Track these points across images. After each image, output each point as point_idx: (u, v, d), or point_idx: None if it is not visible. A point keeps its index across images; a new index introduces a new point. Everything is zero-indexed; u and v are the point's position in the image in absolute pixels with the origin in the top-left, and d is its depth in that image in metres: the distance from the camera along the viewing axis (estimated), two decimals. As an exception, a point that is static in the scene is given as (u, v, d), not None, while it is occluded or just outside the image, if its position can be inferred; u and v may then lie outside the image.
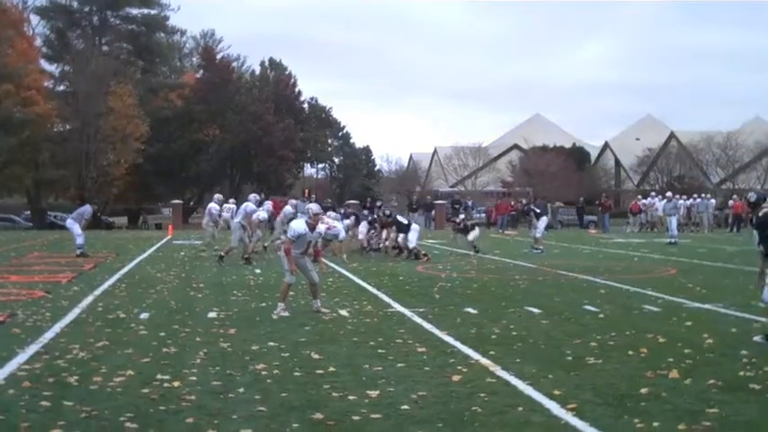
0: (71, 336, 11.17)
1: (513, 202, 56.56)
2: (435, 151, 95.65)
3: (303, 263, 13.48)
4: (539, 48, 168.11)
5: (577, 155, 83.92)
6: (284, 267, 13.45)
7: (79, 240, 25.69)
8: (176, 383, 8.29)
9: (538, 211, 30.87)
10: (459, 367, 9.15)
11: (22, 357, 9.66)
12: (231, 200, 30.77)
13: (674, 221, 35.34)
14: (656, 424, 6.86)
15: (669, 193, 40.48)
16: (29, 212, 64.05)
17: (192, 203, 72.61)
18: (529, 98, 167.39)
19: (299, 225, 13.46)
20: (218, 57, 78.84)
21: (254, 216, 23.69)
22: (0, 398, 7.73)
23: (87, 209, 27.85)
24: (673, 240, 33.41)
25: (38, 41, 72.60)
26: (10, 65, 61.44)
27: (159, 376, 8.59)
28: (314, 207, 14.36)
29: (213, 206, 27.51)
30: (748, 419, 7.03)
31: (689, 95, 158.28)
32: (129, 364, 9.20)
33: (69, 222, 26.99)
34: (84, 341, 10.68)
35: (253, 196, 25.39)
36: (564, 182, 66.77)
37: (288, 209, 27.30)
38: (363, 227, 26.97)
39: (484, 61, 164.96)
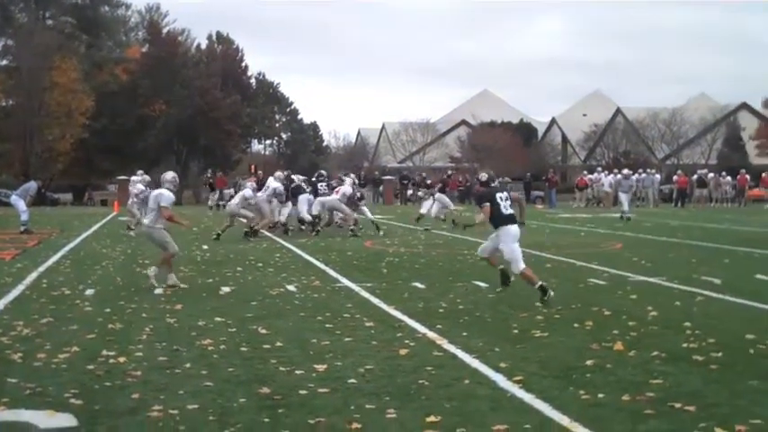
0: (15, 313, 11.06)
1: (461, 178, 56.81)
2: (383, 127, 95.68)
3: None
4: (488, 23, 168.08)
5: (525, 130, 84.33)
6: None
7: (24, 217, 25.40)
8: (122, 359, 8.23)
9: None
10: (406, 341, 9.18)
11: (-36, 334, 9.55)
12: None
13: (626, 198, 34.64)
14: (600, 395, 6.93)
15: (626, 171, 40.22)
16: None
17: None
18: (477, 74, 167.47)
19: None
20: (164, 31, 77.96)
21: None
22: (-59, 375, 7.63)
23: (32, 185, 27.58)
24: (626, 216, 33.02)
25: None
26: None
27: (105, 352, 8.53)
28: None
29: (139, 186, 26.82)
30: (691, 390, 7.13)
31: (636, 72, 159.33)
32: (74, 341, 9.11)
33: (14, 199, 26.69)
34: (29, 318, 10.57)
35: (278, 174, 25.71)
36: (511, 157, 67.06)
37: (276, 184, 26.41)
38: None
39: (432, 37, 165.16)
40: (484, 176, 13.43)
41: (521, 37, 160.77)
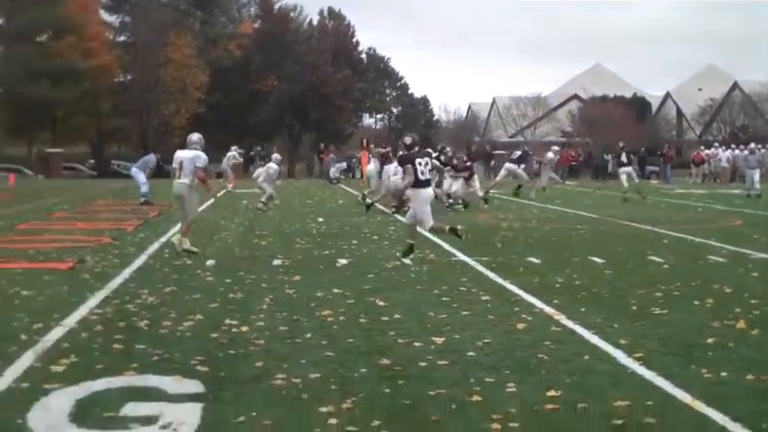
0: (139, 281, 11.37)
1: (573, 153, 56.18)
2: (494, 101, 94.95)
3: None
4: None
5: (638, 105, 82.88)
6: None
7: (144, 189, 26.05)
8: (244, 328, 8.41)
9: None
10: (523, 315, 9.17)
11: (92, 302, 9.85)
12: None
13: (756, 174, 33.32)
14: (723, 374, 6.83)
15: (752, 145, 38.64)
16: (92, 161, 64.84)
17: (251, 153, 72.99)
18: (589, 48, 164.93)
19: None
20: (276, 7, 78.66)
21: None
22: (74, 341, 7.90)
23: (152, 158, 28.19)
24: (755, 193, 31.76)
25: (98, -8, 72.96)
26: (71, 17, 62.03)
27: (227, 321, 8.73)
28: None
29: (272, 165, 27.25)
30: (818, 370, 6.97)
31: (754, 45, 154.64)
32: (197, 309, 9.35)
33: (134, 171, 27.40)
34: (153, 287, 10.86)
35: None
36: (624, 132, 65.97)
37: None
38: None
39: (543, 10, 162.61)
40: (408, 140, 14.23)
41: (634, 10, 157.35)
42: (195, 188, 14.50)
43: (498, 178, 31.42)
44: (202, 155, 14.51)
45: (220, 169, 37.57)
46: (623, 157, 31.68)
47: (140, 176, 26.53)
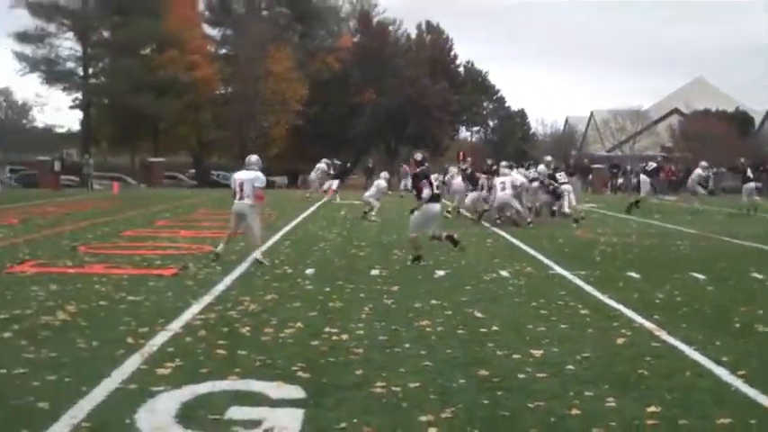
0: (241, 288, 11.58)
1: (672, 168, 55.31)
2: (592, 115, 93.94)
3: None
4: (701, 10, 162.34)
5: (740, 120, 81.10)
6: None
7: None
8: (344, 336, 8.52)
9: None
10: (622, 330, 9.10)
11: (196, 308, 10.08)
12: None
13: None
14: (830, 393, 6.70)
15: None
16: (193, 171, 66.07)
17: (348, 165, 73.50)
18: (691, 61, 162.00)
19: None
20: (375, 21, 79.17)
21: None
22: (179, 345, 8.10)
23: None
24: None
25: (200, 6, 74.37)
26: (174, 30, 63.39)
27: (327, 329, 8.84)
28: None
29: (382, 182, 27.42)
30: None
31: None
32: (297, 317, 9.49)
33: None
34: (254, 294, 11.06)
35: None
36: (726, 147, 64.67)
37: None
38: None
39: (643, 23, 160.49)
40: (419, 157, 15.37)
41: (736, 23, 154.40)
42: (255, 207, 14.93)
43: (643, 193, 31.12)
44: (261, 175, 15.05)
45: (308, 180, 38.37)
46: (749, 173, 31.10)
47: None
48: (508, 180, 23.50)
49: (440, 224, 15.09)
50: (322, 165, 37.65)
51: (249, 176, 14.92)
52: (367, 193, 26.21)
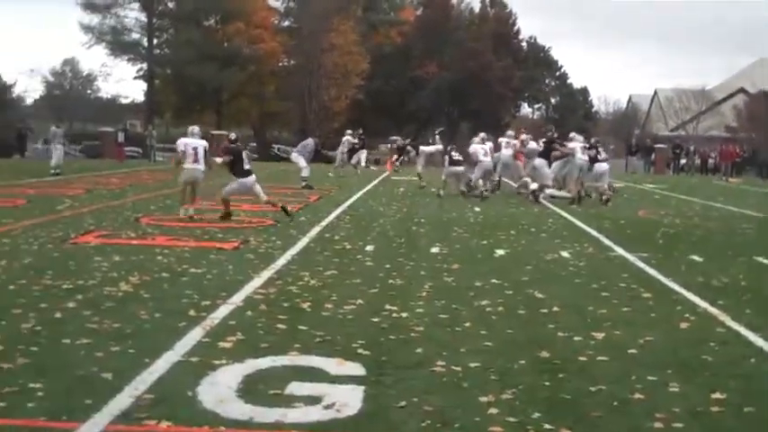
0: (301, 263, 11.62)
1: (738, 149, 54.49)
2: (656, 93, 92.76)
3: None
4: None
5: (809, 100, 79.49)
6: None
7: (304, 173, 26.58)
8: (404, 314, 8.51)
9: None
10: (686, 315, 8.98)
11: (256, 282, 10.13)
12: None
13: None
14: None
15: None
16: (254, 144, 66.45)
17: (409, 140, 73.41)
18: (759, 40, 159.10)
19: None
20: (438, -7, 78.86)
21: None
22: (240, 319, 8.15)
23: (310, 141, 28.71)
24: None
25: (265, -23, 74.58)
26: (239, 1, 63.66)
27: (387, 306, 8.84)
28: None
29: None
30: None
31: None
32: (357, 294, 9.50)
33: (294, 156, 28.02)
34: (314, 269, 11.08)
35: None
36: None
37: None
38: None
39: (709, 1, 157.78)
40: (233, 136, 17.88)
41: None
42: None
43: None
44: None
45: (332, 154, 38.34)
46: None
47: (301, 161, 27.16)
48: (488, 147, 25.01)
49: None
50: (347, 137, 37.54)
51: (202, 143, 16.78)
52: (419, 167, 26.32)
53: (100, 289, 9.39)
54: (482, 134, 27.25)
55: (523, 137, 27.66)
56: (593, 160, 23.84)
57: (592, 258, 13.08)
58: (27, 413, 5.38)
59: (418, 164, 30.11)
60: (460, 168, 24.68)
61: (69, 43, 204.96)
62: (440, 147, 29.18)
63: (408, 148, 32.13)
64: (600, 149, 24.45)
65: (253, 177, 16.88)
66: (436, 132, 35.49)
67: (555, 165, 23.98)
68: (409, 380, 6.34)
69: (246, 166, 16.76)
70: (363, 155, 36.60)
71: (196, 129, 17.35)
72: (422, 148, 31.33)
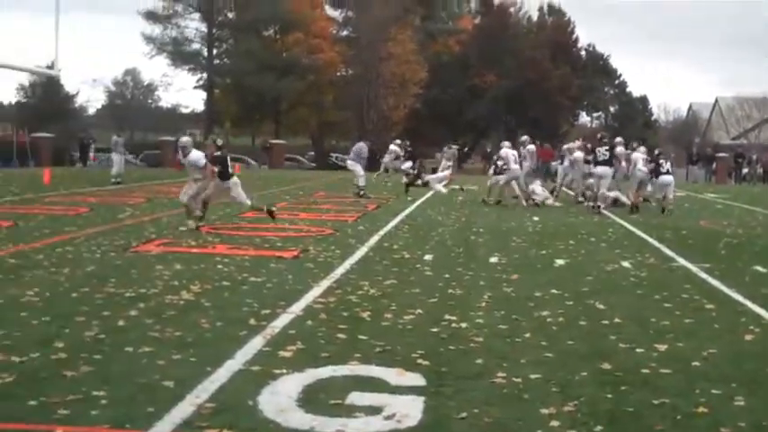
0: (360, 273, 11.64)
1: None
2: (716, 101, 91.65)
3: None
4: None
5: None
6: None
7: (360, 182, 26.62)
8: (464, 324, 8.47)
9: None
10: (750, 327, 8.83)
11: (316, 291, 10.16)
12: None
13: None
14: None
15: None
16: (312, 153, 66.81)
17: (466, 149, 73.31)
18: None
19: None
20: (496, 2, 78.70)
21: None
22: (300, 328, 8.17)
23: (363, 146, 28.55)
24: None
25: (323, -13, 75.03)
26: (298, 12, 64.11)
27: (447, 316, 8.81)
28: None
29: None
30: None
31: None
32: (417, 304, 9.48)
33: (351, 163, 27.99)
34: (373, 279, 11.09)
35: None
36: None
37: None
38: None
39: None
40: (219, 141, 18.00)
41: None
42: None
43: None
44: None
45: (384, 164, 38.17)
46: None
47: (358, 168, 27.18)
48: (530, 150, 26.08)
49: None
50: (393, 146, 37.55)
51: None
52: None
53: (162, 297, 9.49)
54: (524, 137, 27.48)
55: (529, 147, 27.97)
56: (656, 172, 23.58)
57: (653, 269, 12.93)
58: (91, 421, 5.44)
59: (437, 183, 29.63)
60: (503, 177, 24.70)
61: (131, 53, 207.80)
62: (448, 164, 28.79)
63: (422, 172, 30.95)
64: (662, 161, 24.08)
65: (233, 180, 16.94)
66: (452, 147, 35.23)
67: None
68: (469, 391, 6.30)
69: (230, 170, 17.02)
70: (405, 166, 36.06)
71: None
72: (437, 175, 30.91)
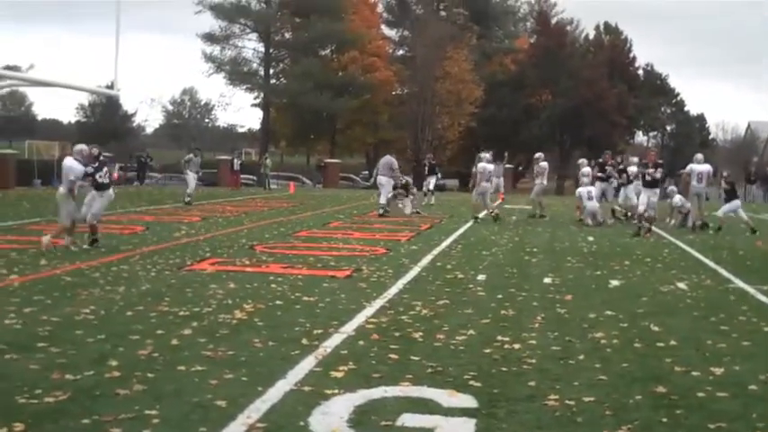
0: (413, 293, 11.62)
1: None
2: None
3: None
4: None
5: None
6: None
7: (382, 199, 26.21)
8: (517, 346, 8.42)
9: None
10: (809, 350, 8.69)
11: (368, 311, 10.17)
12: None
13: None
14: None
15: None
16: (366, 172, 66.94)
17: (521, 168, 73.00)
18: None
19: None
20: (553, 21, 78.48)
21: None
22: (352, 348, 8.18)
23: (388, 159, 27.55)
24: None
25: (380, 7, 75.39)
26: (355, 31, 64.46)
27: (499, 337, 8.77)
28: None
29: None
30: None
31: None
32: (469, 324, 9.45)
33: (384, 179, 26.83)
34: (426, 299, 11.07)
35: None
36: None
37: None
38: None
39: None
40: (95, 151, 16.63)
41: None
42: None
43: None
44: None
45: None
46: None
47: (389, 185, 26.67)
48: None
49: None
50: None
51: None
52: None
53: (215, 316, 9.55)
54: (537, 154, 28.60)
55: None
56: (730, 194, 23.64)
57: (710, 290, 12.76)
58: (143, 439, 5.48)
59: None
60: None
61: (189, 73, 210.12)
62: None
63: (410, 185, 29.76)
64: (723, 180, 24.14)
65: (108, 192, 16.11)
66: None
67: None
68: (522, 413, 6.26)
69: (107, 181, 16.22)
70: (432, 183, 35.22)
71: (77, 147, 16.50)
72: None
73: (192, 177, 32.16)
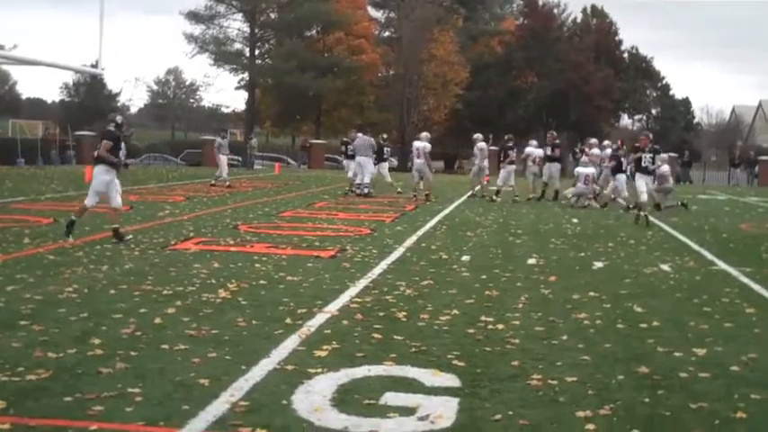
0: (397, 273, 11.62)
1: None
2: (760, 104, 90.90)
3: None
4: None
5: None
6: None
7: (366, 179, 26.61)
8: (500, 326, 8.43)
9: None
10: (791, 332, 8.73)
11: (353, 291, 10.16)
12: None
13: None
14: None
15: None
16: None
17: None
18: None
19: None
20: (540, 3, 78.41)
21: None
22: (335, 327, 8.17)
23: (363, 139, 27.72)
24: None
25: (365, -12, 75.10)
26: (340, 12, 64.26)
27: (483, 318, 8.78)
28: None
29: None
30: None
31: None
32: (453, 304, 9.45)
33: (363, 160, 26.93)
34: (410, 279, 11.08)
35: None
36: None
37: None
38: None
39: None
40: (119, 119, 15.24)
41: None
42: None
43: None
44: None
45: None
46: None
47: (369, 165, 26.69)
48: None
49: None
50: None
51: None
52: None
53: (198, 295, 9.53)
54: (475, 135, 28.17)
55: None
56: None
57: (693, 272, 12.80)
58: (125, 418, 5.47)
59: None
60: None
61: (174, 53, 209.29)
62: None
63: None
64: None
65: None
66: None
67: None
68: (505, 392, 6.27)
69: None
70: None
71: None
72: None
73: (224, 160, 31.12)
